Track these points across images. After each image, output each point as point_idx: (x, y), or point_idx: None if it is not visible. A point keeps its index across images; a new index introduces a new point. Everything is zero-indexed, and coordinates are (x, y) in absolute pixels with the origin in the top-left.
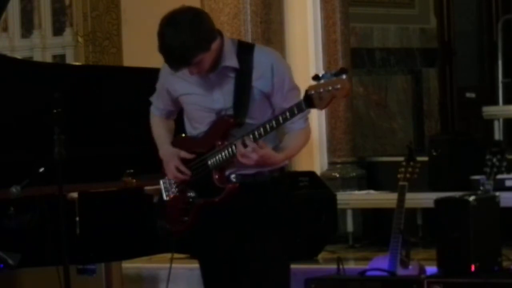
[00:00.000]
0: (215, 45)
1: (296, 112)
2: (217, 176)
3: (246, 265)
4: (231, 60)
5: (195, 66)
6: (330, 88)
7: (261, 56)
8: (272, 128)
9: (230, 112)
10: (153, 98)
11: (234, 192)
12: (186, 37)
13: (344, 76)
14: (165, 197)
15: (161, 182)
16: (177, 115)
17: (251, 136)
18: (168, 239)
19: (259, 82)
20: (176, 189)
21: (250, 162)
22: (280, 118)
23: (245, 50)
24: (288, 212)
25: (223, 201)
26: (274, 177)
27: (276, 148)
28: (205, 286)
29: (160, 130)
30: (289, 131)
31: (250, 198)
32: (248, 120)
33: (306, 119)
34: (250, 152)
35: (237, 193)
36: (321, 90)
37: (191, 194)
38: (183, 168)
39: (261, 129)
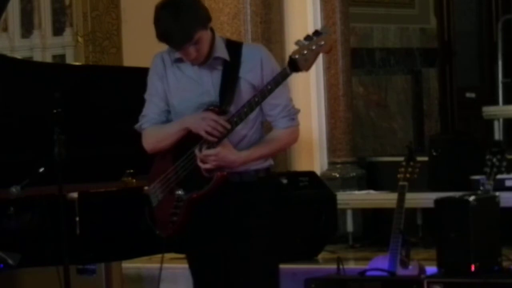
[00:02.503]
0: (209, 33)
1: (280, 80)
2: None
3: (231, 264)
4: (222, 52)
5: (194, 47)
6: (314, 47)
7: (250, 51)
8: (257, 103)
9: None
10: (143, 114)
11: (223, 180)
12: (184, 14)
13: (324, 33)
14: (154, 204)
15: (148, 189)
16: None
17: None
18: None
19: (249, 75)
20: (163, 193)
21: (212, 164)
22: (265, 90)
23: (233, 46)
24: (275, 213)
25: (213, 190)
26: (261, 178)
27: (258, 141)
28: (194, 283)
29: (160, 126)
30: (273, 128)
31: (238, 198)
32: (233, 110)
33: (293, 119)
34: (205, 157)
35: (225, 191)
36: (305, 51)
37: (179, 192)
38: (222, 121)
39: (247, 107)
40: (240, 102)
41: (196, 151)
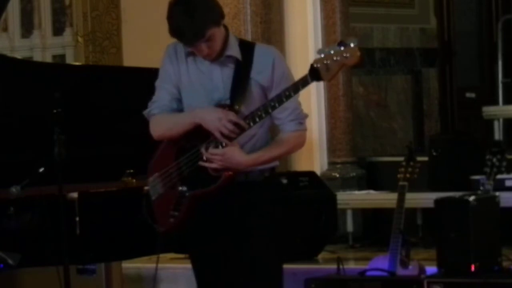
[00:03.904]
0: (222, 30)
1: (300, 87)
2: None
3: (233, 264)
4: (234, 51)
5: (206, 44)
6: (338, 58)
7: (263, 52)
8: (273, 107)
9: (228, 102)
10: (153, 100)
11: (230, 180)
12: (196, 11)
13: (352, 45)
14: (153, 197)
15: (148, 180)
16: None
17: (250, 121)
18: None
19: (260, 76)
20: (164, 187)
21: (218, 164)
22: (283, 96)
23: (246, 46)
24: (278, 213)
25: (219, 190)
26: (265, 177)
27: (264, 144)
28: (198, 284)
29: (170, 114)
30: (281, 132)
31: (242, 198)
32: (244, 111)
33: (301, 123)
34: (211, 155)
35: (229, 190)
36: (328, 61)
37: (183, 188)
38: (242, 122)
39: (262, 110)
40: (249, 102)
41: (202, 150)
